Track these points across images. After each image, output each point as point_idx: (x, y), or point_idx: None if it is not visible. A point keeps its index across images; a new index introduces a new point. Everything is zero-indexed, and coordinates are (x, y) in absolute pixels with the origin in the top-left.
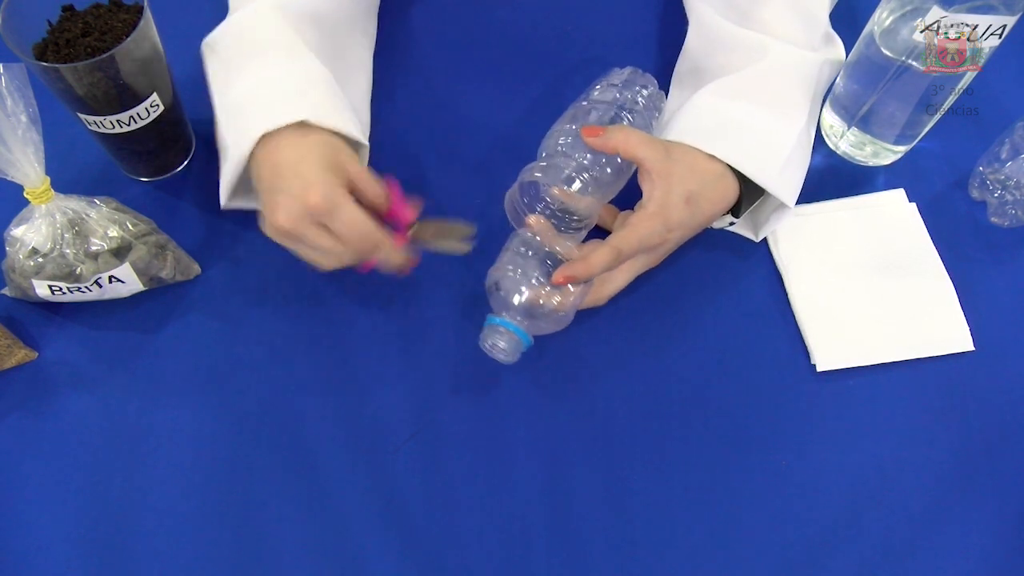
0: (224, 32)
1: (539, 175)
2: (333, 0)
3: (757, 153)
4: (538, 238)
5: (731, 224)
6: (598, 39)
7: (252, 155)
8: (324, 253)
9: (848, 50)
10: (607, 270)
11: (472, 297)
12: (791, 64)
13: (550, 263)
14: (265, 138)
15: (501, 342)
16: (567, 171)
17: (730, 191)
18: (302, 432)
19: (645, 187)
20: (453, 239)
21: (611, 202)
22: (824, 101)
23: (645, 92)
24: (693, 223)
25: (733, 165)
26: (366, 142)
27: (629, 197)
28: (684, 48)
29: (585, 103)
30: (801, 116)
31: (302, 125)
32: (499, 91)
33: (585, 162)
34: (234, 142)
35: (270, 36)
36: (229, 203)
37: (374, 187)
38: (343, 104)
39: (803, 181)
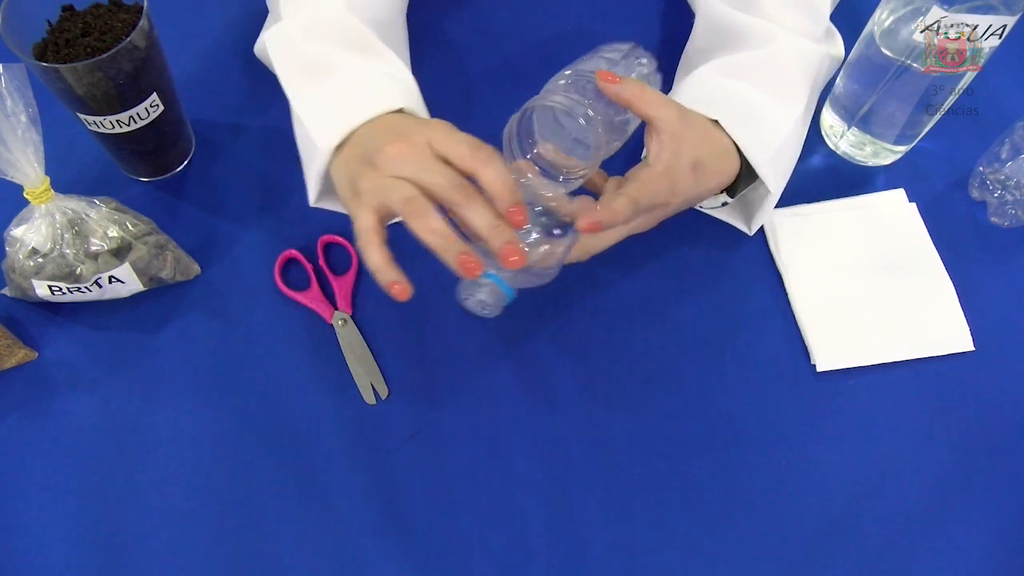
0: (296, 27)
1: (542, 104)
2: (388, 5)
3: (755, 132)
4: (527, 181)
5: (723, 204)
6: (599, 39)
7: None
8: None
9: (848, 50)
10: (627, 221)
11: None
12: (796, 52)
13: (539, 210)
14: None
15: (483, 295)
16: (570, 104)
17: (732, 167)
18: (302, 432)
19: (653, 147)
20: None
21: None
22: (825, 100)
23: (645, 62)
24: (696, 192)
25: (734, 138)
26: None
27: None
28: (691, 36)
29: (589, 58)
30: (799, 105)
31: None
32: (500, 91)
33: (588, 101)
34: (327, 131)
35: (357, 37)
36: (318, 201)
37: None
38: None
39: (791, 172)
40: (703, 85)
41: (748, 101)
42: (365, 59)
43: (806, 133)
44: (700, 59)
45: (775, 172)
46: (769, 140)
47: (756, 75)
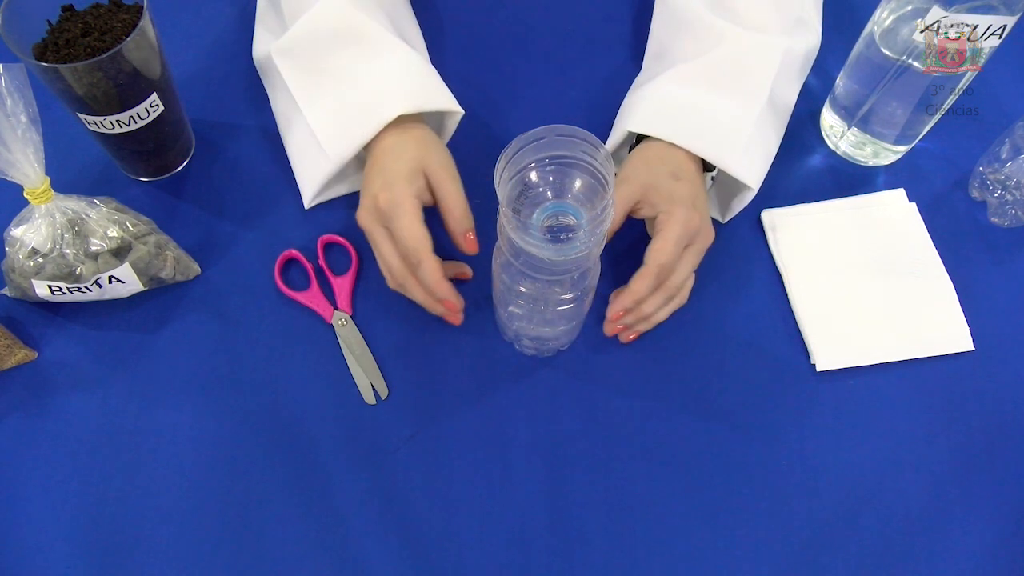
0: (301, 35)
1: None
2: None
3: (716, 141)
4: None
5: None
6: (598, 39)
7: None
8: (382, 259)
9: (848, 50)
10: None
11: (473, 299)
12: (747, 50)
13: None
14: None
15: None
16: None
17: (691, 159)
18: (302, 432)
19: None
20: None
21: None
22: (825, 100)
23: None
24: (694, 191)
25: (699, 154)
26: (460, 109)
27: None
28: (651, 29)
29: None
30: (759, 101)
31: (402, 118)
32: (500, 91)
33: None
34: (337, 144)
35: (352, 29)
36: (313, 201)
37: (451, 194)
38: (434, 83)
39: (770, 162)
40: (657, 104)
41: (703, 109)
42: (370, 59)
43: (784, 124)
44: (657, 62)
45: (749, 168)
46: (732, 143)
47: (708, 81)
